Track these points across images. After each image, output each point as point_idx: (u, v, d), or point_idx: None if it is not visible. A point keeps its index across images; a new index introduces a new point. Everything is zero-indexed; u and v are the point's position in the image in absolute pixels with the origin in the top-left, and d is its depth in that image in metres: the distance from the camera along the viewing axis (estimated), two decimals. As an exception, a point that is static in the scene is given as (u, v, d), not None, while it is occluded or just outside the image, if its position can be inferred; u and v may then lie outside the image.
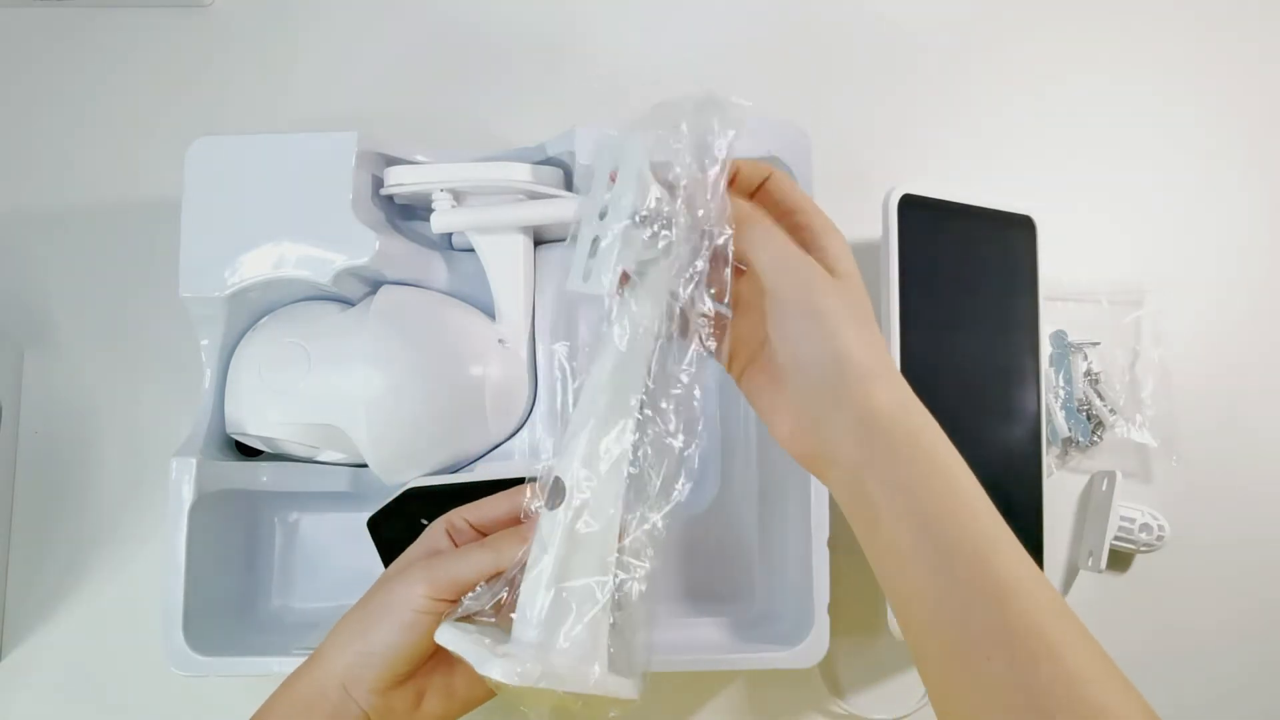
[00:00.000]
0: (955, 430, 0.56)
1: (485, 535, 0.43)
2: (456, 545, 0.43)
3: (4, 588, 0.60)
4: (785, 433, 0.39)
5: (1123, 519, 0.59)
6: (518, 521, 0.41)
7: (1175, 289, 0.63)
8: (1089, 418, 0.61)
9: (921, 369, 0.54)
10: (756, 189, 0.40)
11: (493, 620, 0.40)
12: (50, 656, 0.59)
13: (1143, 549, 0.60)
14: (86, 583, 0.60)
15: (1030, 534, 0.59)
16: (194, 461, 0.51)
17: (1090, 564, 0.60)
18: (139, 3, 0.65)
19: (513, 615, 0.39)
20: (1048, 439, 0.60)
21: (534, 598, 0.38)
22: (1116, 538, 0.59)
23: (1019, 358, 0.59)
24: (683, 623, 0.56)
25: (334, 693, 0.40)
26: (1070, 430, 0.61)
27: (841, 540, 0.50)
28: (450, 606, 0.41)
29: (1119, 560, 0.61)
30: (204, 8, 0.65)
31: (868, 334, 0.37)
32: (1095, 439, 0.61)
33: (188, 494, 0.51)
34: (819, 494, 0.52)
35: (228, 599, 0.55)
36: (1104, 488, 0.60)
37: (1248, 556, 0.62)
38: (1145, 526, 0.60)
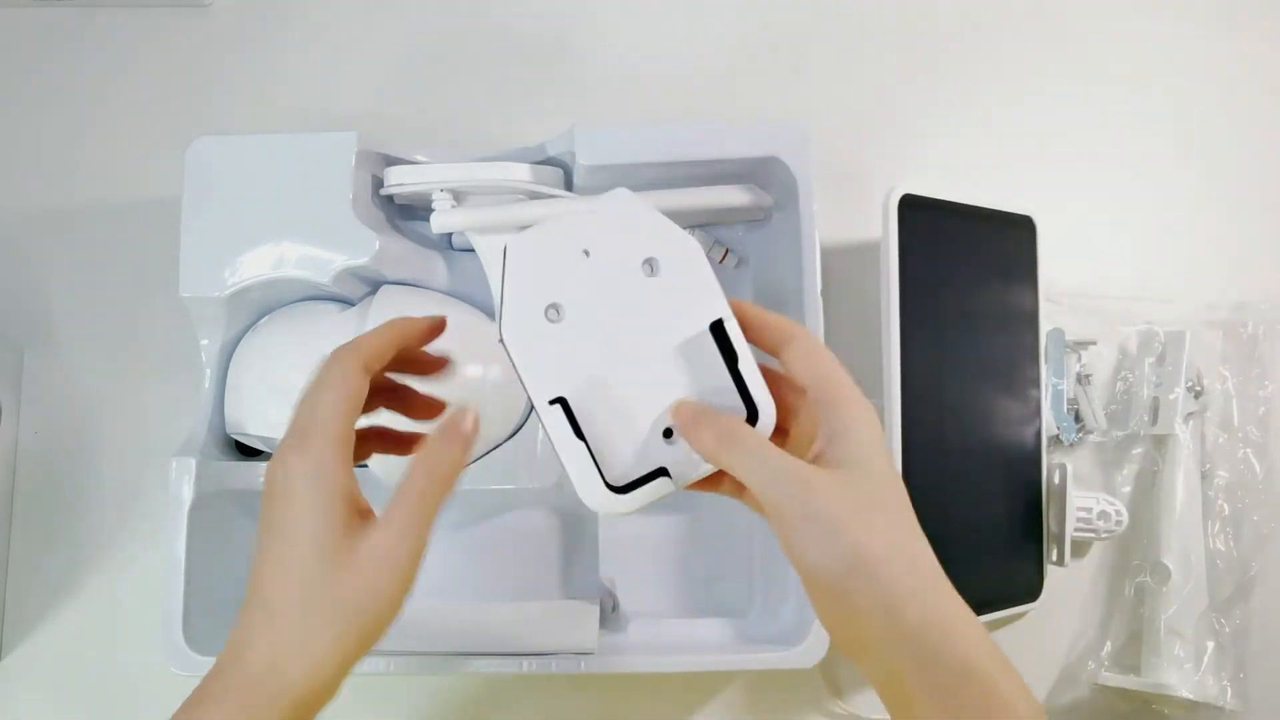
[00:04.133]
0: (957, 432, 0.57)
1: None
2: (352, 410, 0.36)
3: (4, 588, 0.60)
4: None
5: (1080, 509, 0.59)
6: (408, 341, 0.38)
7: (1175, 289, 0.63)
8: (1077, 417, 0.61)
9: (922, 370, 0.54)
10: (779, 346, 0.37)
11: None
12: (50, 656, 0.59)
13: (1104, 535, 0.60)
14: (86, 583, 0.60)
15: (1032, 534, 0.59)
16: (194, 461, 0.51)
17: (1054, 559, 0.60)
18: (139, 3, 0.65)
19: None
20: (1047, 438, 0.60)
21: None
22: (1077, 529, 0.59)
23: (1019, 358, 0.59)
24: (683, 623, 0.56)
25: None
26: (1059, 428, 0.61)
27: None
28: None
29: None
30: (204, 8, 0.65)
31: (883, 522, 0.34)
32: (1079, 437, 0.61)
33: (188, 494, 0.51)
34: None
35: (228, 599, 0.55)
36: (1056, 480, 0.60)
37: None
38: (1104, 514, 0.60)
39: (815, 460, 0.35)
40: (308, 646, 0.34)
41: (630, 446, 0.37)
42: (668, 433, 0.37)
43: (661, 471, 0.37)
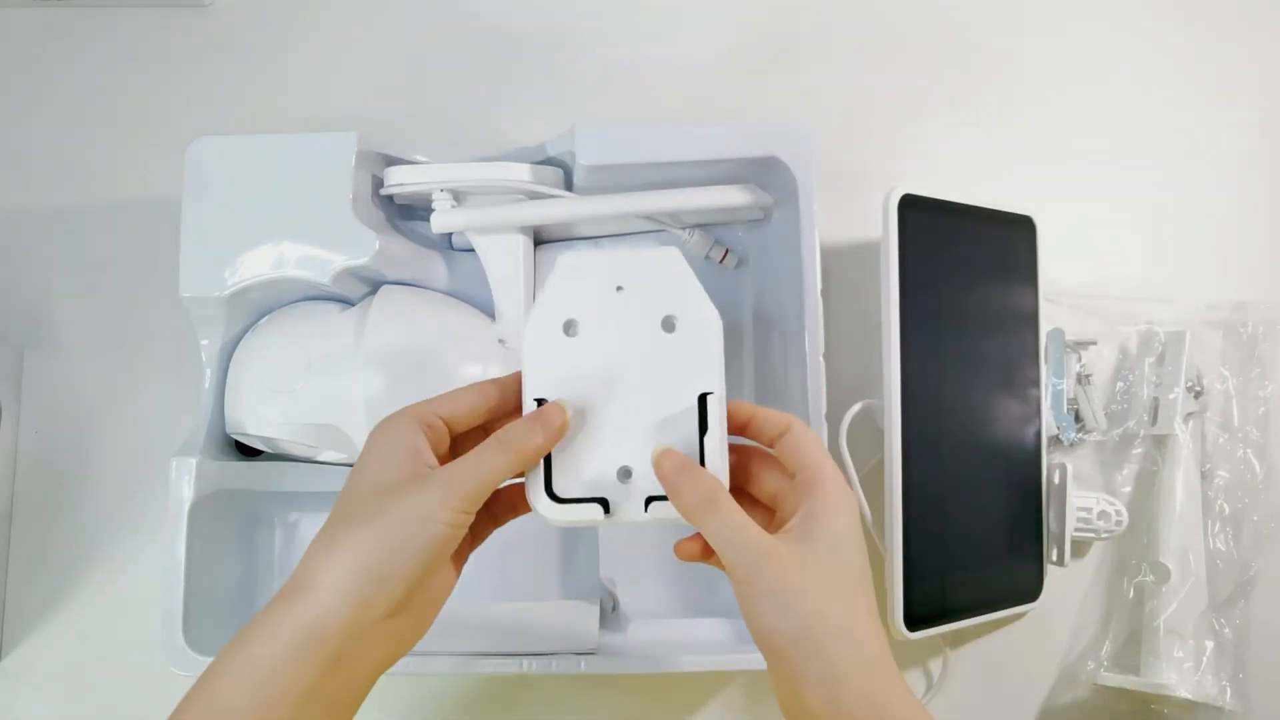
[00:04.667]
0: (957, 432, 0.57)
1: (459, 430, 0.41)
2: (432, 444, 0.39)
3: (4, 588, 0.60)
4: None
5: (1080, 509, 0.59)
6: (495, 413, 0.41)
7: (1175, 289, 0.63)
8: (1077, 417, 0.61)
9: (922, 370, 0.54)
10: (775, 438, 0.40)
11: None
12: (50, 656, 0.59)
13: (1103, 535, 0.60)
14: (86, 583, 0.60)
15: (1032, 534, 0.59)
16: (194, 461, 0.51)
17: (1054, 559, 0.60)
18: (139, 3, 0.65)
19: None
20: (1047, 438, 0.60)
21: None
22: (1077, 529, 0.59)
23: (1019, 358, 0.59)
24: (683, 623, 0.56)
25: (334, 635, 0.35)
26: (1059, 428, 0.61)
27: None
28: (468, 518, 0.38)
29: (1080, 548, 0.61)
30: (204, 8, 0.65)
31: (838, 602, 0.36)
32: (1079, 437, 0.61)
33: (188, 494, 0.51)
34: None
35: (228, 599, 0.55)
36: (1056, 480, 0.60)
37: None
38: (1103, 514, 0.60)
39: (787, 533, 0.38)
40: (326, 556, 0.36)
41: (587, 469, 0.40)
42: (625, 473, 0.40)
43: (602, 502, 0.39)
